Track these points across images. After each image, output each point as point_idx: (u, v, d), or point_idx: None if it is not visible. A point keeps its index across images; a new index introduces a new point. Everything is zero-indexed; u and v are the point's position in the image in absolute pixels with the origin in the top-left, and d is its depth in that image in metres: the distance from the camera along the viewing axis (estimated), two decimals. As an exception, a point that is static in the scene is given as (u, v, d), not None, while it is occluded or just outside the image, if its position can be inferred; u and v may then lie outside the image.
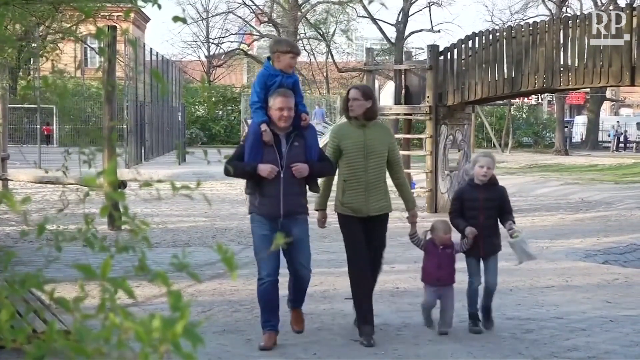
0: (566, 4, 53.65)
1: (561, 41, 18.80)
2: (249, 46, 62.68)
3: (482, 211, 8.12)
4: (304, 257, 7.57)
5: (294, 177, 7.36)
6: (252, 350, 7.36)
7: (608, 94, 61.29)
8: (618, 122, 61.38)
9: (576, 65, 18.57)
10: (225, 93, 56.59)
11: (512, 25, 25.26)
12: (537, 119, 63.38)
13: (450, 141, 20.02)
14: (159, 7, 3.14)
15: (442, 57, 20.26)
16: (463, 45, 20.17)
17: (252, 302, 9.16)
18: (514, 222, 8.22)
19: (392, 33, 53.10)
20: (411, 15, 53.89)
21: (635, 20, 17.81)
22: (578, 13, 37.46)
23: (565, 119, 56.46)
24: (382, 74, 22.08)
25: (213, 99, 55.08)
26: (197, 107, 55.40)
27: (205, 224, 16.75)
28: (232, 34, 62.08)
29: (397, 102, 21.04)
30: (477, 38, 20.14)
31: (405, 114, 21.32)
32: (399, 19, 53.04)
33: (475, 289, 8.24)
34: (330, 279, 10.73)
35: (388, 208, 8.10)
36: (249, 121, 40.42)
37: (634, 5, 18.04)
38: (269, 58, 7.86)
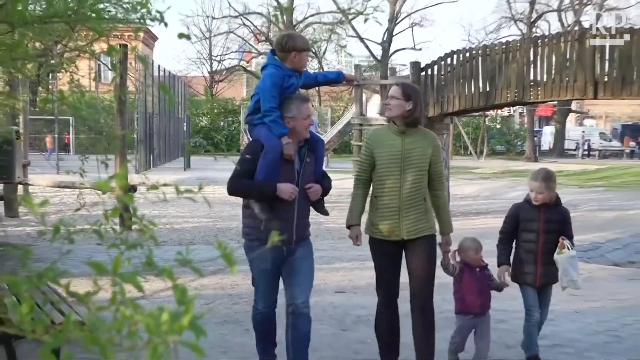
0: (535, 25, 53.75)
1: (531, 58, 18.87)
2: (247, 63, 62.71)
3: (542, 234, 6.43)
4: (306, 278, 5.97)
5: (307, 198, 5.84)
6: (251, 339, 7.32)
7: (573, 106, 61.34)
8: (583, 132, 61.54)
9: (545, 80, 18.65)
10: (227, 105, 56.68)
11: (487, 44, 25.25)
12: (510, 129, 63.56)
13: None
14: (166, 25, 3.18)
15: (423, 73, 20.37)
16: (442, 62, 20.29)
17: (250, 296, 9.13)
18: (570, 242, 6.46)
19: (378, 51, 53.10)
20: (395, 34, 53.98)
21: (598, 39, 17.87)
22: (546, 33, 37.51)
23: (534, 129, 56.55)
24: (369, 88, 22.08)
25: (215, 111, 55.13)
26: (200, 118, 55.45)
27: (208, 224, 16.76)
28: (233, 52, 62.20)
29: (383, 114, 21.08)
30: (455, 55, 20.26)
31: (390, 125, 21.28)
32: (384, 38, 53.09)
33: (535, 323, 6.54)
34: (320, 274, 10.72)
35: (429, 229, 6.09)
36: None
37: (597, 26, 18.05)
38: (273, 52, 6.05)
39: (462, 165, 37.73)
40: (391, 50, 54.20)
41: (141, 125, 33.80)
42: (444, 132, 21.04)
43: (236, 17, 55.75)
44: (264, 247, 4.99)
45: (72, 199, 19.56)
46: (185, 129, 43.89)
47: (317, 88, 57.11)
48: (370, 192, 6.20)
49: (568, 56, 18.30)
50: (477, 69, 19.66)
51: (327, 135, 25.36)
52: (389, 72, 28.76)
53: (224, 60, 62.34)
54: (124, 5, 4.89)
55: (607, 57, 17.92)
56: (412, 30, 55.02)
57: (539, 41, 19.46)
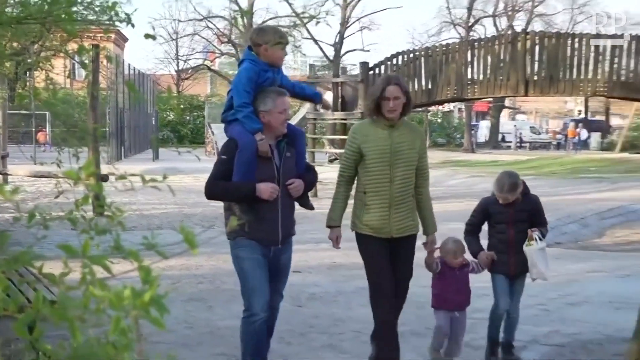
0: (472, 29, 54.11)
1: (469, 59, 19.05)
2: (211, 62, 62.33)
3: (513, 224, 5.91)
4: (283, 284, 5.40)
5: (289, 195, 5.09)
6: (213, 315, 7.33)
7: (507, 102, 61.90)
8: (515, 125, 62.15)
9: (481, 79, 18.86)
10: (192, 101, 56.42)
11: (429, 46, 25.39)
12: (449, 123, 63.98)
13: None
14: (132, 26, 3.17)
15: (371, 72, 20.44)
16: (389, 62, 20.45)
17: (214, 275, 9.15)
18: (541, 232, 5.96)
19: (330, 52, 53.05)
20: (346, 37, 54.00)
21: (529, 42, 18.07)
22: (483, 37, 37.76)
23: (472, 123, 56.97)
24: (322, 86, 22.06)
25: (182, 106, 54.81)
26: (168, 113, 55.09)
27: (174, 210, 16.66)
28: (198, 52, 61.78)
29: (335, 109, 21.15)
30: (400, 56, 20.45)
31: (341, 119, 21.37)
32: (336, 40, 53.10)
33: (501, 314, 6.06)
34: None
35: (415, 228, 5.55)
36: (215, 127, 39.74)
37: (527, 30, 18.33)
38: (250, 48, 5.29)
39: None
40: (342, 51, 54.15)
41: (112, 120, 33.53)
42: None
43: (201, 20, 55.35)
44: (250, 241, 4.94)
45: (49, 188, 19.37)
46: (153, 123, 43.56)
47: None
48: (355, 187, 5.56)
49: (502, 57, 18.52)
50: (420, 69, 19.85)
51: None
52: (340, 71, 28.80)
53: (190, 59, 61.92)
54: (95, 8, 4.83)
55: (536, 58, 18.18)
56: (362, 33, 55.07)
57: (476, 44, 19.79)
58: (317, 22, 49.74)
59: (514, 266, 5.89)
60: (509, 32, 40.95)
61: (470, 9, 53.74)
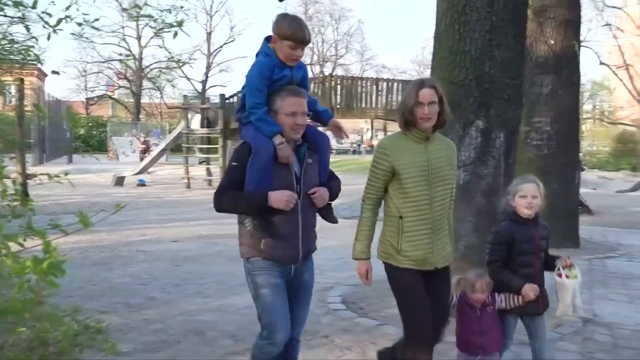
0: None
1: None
2: (112, 92, 59.54)
3: (539, 255, 3.55)
4: (306, 310, 3.38)
5: (311, 206, 3.18)
6: (112, 275, 6.98)
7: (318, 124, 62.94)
8: (361, 135, 63.19)
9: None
10: (98, 120, 53.75)
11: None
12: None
13: (233, 149, 20.32)
14: (41, 63, 2.94)
15: (228, 100, 20.28)
16: (239, 94, 20.31)
17: (113, 246, 8.73)
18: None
19: (199, 86, 52.25)
20: (210, 76, 53.53)
21: (333, 82, 18.49)
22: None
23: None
24: (194, 110, 21.69)
25: (90, 124, 52.08)
26: (79, 129, 52.26)
27: (85, 199, 15.73)
28: (102, 85, 58.92)
29: (202, 126, 20.94)
30: (247, 90, 20.40)
31: (207, 134, 21.13)
32: (203, 78, 52.46)
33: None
34: (159, 230, 10.40)
35: (452, 256, 3.41)
36: (143, 136, 38.29)
37: (332, 74, 18.77)
38: (267, 39, 3.18)
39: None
40: (207, 86, 53.48)
41: (36, 134, 31.30)
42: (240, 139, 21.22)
43: (103, 62, 52.82)
44: (267, 262, 3.08)
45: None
46: (68, 136, 41.10)
47: (159, 110, 57.15)
48: (389, 211, 3.28)
49: (316, 92, 18.81)
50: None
51: (166, 140, 24.68)
52: (206, 99, 28.48)
53: (95, 90, 58.87)
54: (14, 51, 4.46)
55: (339, 93, 18.65)
56: (221, 73, 54.59)
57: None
58: (183, 65, 49.04)
59: (543, 304, 3.58)
60: (320, 75, 41.78)
61: (295, 58, 54.51)
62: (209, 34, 53.26)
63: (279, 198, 2.96)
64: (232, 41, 53.81)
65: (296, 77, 3.16)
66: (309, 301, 3.36)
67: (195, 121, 21.58)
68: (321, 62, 56.30)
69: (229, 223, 9.79)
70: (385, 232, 3.32)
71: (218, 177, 20.21)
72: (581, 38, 9.70)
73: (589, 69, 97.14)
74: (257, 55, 3.18)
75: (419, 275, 3.25)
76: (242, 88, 3.18)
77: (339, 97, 18.76)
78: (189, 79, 53.02)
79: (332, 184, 3.27)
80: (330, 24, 56.65)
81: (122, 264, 7.61)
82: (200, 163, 23.46)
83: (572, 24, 9.00)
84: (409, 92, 3.21)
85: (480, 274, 3.52)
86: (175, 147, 26.24)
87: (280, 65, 3.09)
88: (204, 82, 53.21)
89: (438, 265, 3.26)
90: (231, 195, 3.04)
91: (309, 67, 56.03)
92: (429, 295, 3.25)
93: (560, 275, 3.54)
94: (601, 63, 37.76)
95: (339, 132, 3.35)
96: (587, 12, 38.52)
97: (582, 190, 10.86)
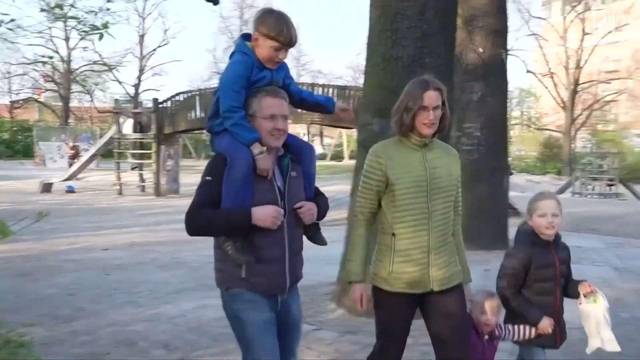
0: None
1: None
2: (38, 96, 57.32)
3: (559, 282, 3.09)
4: (297, 342, 2.87)
5: (298, 225, 2.69)
6: (39, 286, 6.70)
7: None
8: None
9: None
10: (23, 125, 51.54)
11: (202, 87, 25.26)
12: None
13: (167, 154, 20.08)
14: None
15: (161, 105, 20.04)
16: (174, 98, 20.14)
17: (39, 255, 8.40)
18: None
19: (131, 90, 51.10)
20: (143, 80, 52.38)
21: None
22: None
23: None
24: (126, 114, 21.13)
25: (14, 129, 49.90)
26: (3, 133, 50.04)
27: (8, 207, 15.06)
28: (27, 88, 56.59)
29: (134, 131, 20.60)
30: (181, 95, 20.13)
31: (140, 139, 20.74)
32: (136, 82, 51.37)
33: None
34: (90, 237, 10.08)
35: (460, 276, 2.89)
36: (72, 141, 36.96)
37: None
38: (245, 37, 2.71)
39: (188, 164, 37.19)
40: (140, 90, 52.38)
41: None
42: (175, 143, 20.99)
43: (29, 63, 50.77)
44: (252, 294, 2.56)
45: None
46: (-8, 141, 39.37)
47: (89, 115, 55.57)
48: (381, 228, 2.86)
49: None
50: (195, 103, 19.62)
51: (97, 144, 23.99)
52: (139, 104, 27.84)
53: (20, 93, 56.46)
54: None
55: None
56: (154, 77, 53.58)
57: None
58: (113, 68, 47.98)
59: (560, 336, 3.15)
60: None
61: (231, 63, 54.20)
62: (141, 37, 52.16)
63: (265, 215, 2.48)
64: (166, 44, 52.94)
65: (277, 78, 2.71)
66: (299, 340, 2.85)
67: (128, 126, 21.15)
68: (257, 67, 56.21)
69: (164, 230, 9.74)
70: (377, 251, 2.88)
71: (151, 183, 19.81)
72: (508, 47, 10.07)
73: (517, 77, 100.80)
74: (231, 55, 2.73)
75: (410, 300, 2.82)
76: (215, 93, 2.71)
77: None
78: (120, 83, 51.77)
79: (320, 201, 2.78)
80: (266, 29, 56.61)
81: (49, 274, 7.33)
82: (133, 169, 22.98)
83: (499, 33, 9.33)
84: (411, 94, 2.76)
85: (491, 294, 3.08)
86: (106, 153, 25.52)
87: (259, 66, 2.64)
88: (136, 86, 52.06)
89: (434, 288, 2.78)
90: (207, 215, 2.50)
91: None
92: (434, 324, 2.83)
93: (581, 304, 3.04)
94: (528, 71, 39.40)
95: (348, 113, 2.95)
96: (514, 22, 40.13)
97: (511, 193, 11.25)
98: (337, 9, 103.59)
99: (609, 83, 41.16)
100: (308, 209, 2.66)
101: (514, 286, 3.06)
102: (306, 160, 2.78)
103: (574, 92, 37.97)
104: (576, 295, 3.07)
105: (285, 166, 2.66)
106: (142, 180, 21.00)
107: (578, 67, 37.91)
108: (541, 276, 3.04)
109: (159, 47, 51.18)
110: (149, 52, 52.38)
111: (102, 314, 5.57)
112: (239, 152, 2.54)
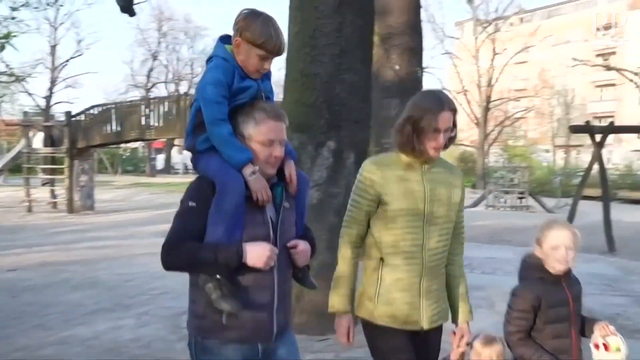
0: (150, 90, 53.20)
1: (148, 112, 18.75)
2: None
3: (575, 321, 2.68)
4: None
5: (288, 264, 2.30)
6: None
7: (176, 142, 61.47)
8: (183, 157, 62.17)
9: (157, 125, 18.59)
10: None
11: (118, 101, 24.62)
12: (135, 156, 61.85)
13: (81, 169, 19.40)
14: None
15: (75, 118, 19.38)
16: (88, 112, 19.55)
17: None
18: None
19: (42, 102, 48.96)
20: (56, 92, 50.36)
21: (189, 100, 18.20)
22: (158, 96, 37.23)
23: (152, 156, 55.72)
24: (36, 128, 20.22)
25: None
26: None
27: None
28: None
29: (46, 145, 19.78)
30: (96, 108, 19.57)
31: (51, 153, 19.91)
32: (48, 94, 49.26)
33: None
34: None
35: (446, 314, 2.60)
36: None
37: (188, 93, 18.52)
38: (224, 38, 2.30)
39: (104, 179, 36.01)
40: (52, 102, 50.31)
41: None
42: (89, 158, 20.33)
43: None
44: (229, 348, 2.16)
45: None
46: None
47: None
48: (368, 251, 2.55)
49: (171, 111, 18.43)
50: (111, 117, 19.11)
51: (3, 160, 22.79)
52: (50, 117, 26.80)
53: None
54: None
55: (194, 111, 18.48)
56: (67, 89, 51.59)
57: (152, 101, 19.56)
58: (22, 79, 46.02)
59: None
60: (176, 93, 41.01)
61: (148, 76, 53.04)
62: (53, 47, 50.18)
63: (259, 253, 2.10)
64: (80, 55, 51.08)
65: (264, 87, 2.31)
66: None
67: (38, 140, 20.28)
68: (176, 81, 55.22)
69: (77, 248, 9.35)
70: (362, 277, 2.53)
71: (64, 199, 19.03)
72: (424, 65, 10.41)
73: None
74: (208, 60, 2.34)
75: (403, 336, 2.45)
76: (192, 103, 2.36)
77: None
78: (30, 94, 49.48)
79: (309, 237, 2.39)
80: (186, 42, 55.83)
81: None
82: (44, 185, 21.95)
83: (415, 52, 9.64)
84: (423, 112, 2.39)
85: (491, 340, 2.77)
86: (14, 168, 24.32)
87: (241, 74, 2.24)
88: (48, 98, 49.91)
89: (425, 326, 2.46)
90: (190, 249, 2.10)
91: (162, 86, 55.15)
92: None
93: (597, 346, 2.61)
94: (443, 88, 40.72)
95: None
96: (429, 40, 41.69)
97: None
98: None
99: (519, 101, 43.44)
100: (303, 250, 2.29)
101: (523, 331, 2.63)
102: (302, 192, 2.38)
103: (487, 109, 39.69)
104: (589, 336, 2.68)
105: (278, 196, 2.26)
106: (54, 196, 20.12)
107: (490, 85, 39.66)
108: (554, 317, 2.63)
109: (72, 58, 49.20)
110: (62, 63, 50.48)
111: (10, 339, 5.28)
112: (231, 177, 2.14)
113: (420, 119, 2.40)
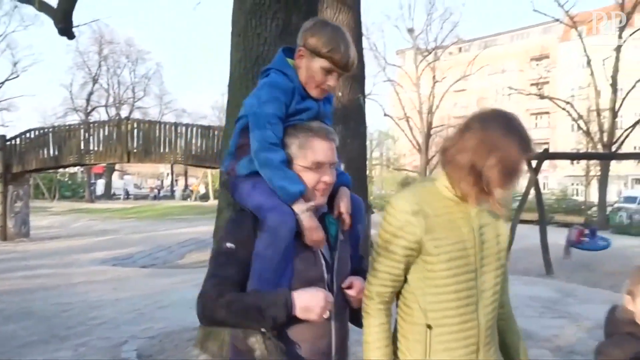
0: (90, 114, 52.03)
1: (87, 136, 18.39)
2: None
3: None
4: None
5: (345, 306, 1.88)
6: None
7: (117, 167, 60.31)
8: (124, 183, 60.89)
9: (97, 149, 18.23)
10: None
11: (56, 125, 24.01)
12: (74, 181, 60.09)
13: (15, 195, 18.77)
14: None
15: (9, 142, 18.76)
16: (23, 136, 18.98)
17: None
18: None
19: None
20: (-12, 115, 48.51)
21: (130, 125, 17.93)
22: (97, 120, 36.46)
23: (91, 181, 54.29)
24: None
25: None
26: None
27: None
28: None
29: None
30: (33, 132, 19.04)
31: (-17, 179, 19.19)
32: (-20, 117, 47.46)
33: None
34: None
35: None
36: None
37: (129, 117, 18.29)
38: (287, 50, 2.00)
39: (40, 205, 34.79)
40: (-15, 126, 48.47)
41: None
42: (25, 183, 19.73)
43: None
44: None
45: None
46: None
47: None
48: (408, 315, 1.81)
49: (111, 135, 18.15)
50: (49, 141, 18.62)
51: None
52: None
53: None
54: None
55: (135, 136, 18.20)
56: (1, 112, 49.68)
57: (92, 125, 19.23)
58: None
59: None
60: (117, 117, 40.26)
61: (88, 99, 51.84)
62: (-13, 69, 48.49)
63: (311, 305, 1.74)
64: (16, 77, 49.52)
65: (325, 110, 1.97)
66: None
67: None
68: (117, 105, 54.18)
69: (11, 277, 9.07)
70: (402, 347, 1.84)
71: (-3, 226, 18.32)
72: (367, 91, 10.63)
73: (376, 120, 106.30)
74: (264, 72, 1.98)
75: None
76: (238, 120, 1.97)
77: (136, 141, 18.18)
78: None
79: (364, 270, 1.92)
80: (127, 66, 54.96)
81: None
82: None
83: (357, 79, 9.82)
84: (507, 151, 1.70)
85: None
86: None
87: (302, 94, 1.89)
88: (-19, 121, 48.11)
89: None
90: (230, 302, 1.73)
91: (102, 110, 53.90)
92: None
93: None
94: (385, 115, 41.51)
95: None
96: (371, 68, 42.45)
97: (372, 231, 11.72)
98: (201, 49, 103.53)
99: (458, 127, 44.49)
100: (360, 290, 1.86)
101: None
102: (357, 219, 1.98)
103: (428, 135, 40.59)
104: None
105: (331, 228, 1.89)
106: (-14, 224, 19.34)
107: (430, 112, 40.66)
108: None
109: (7, 80, 47.65)
110: (-4, 86, 48.76)
111: None
112: (280, 215, 1.77)
113: (505, 159, 1.72)
